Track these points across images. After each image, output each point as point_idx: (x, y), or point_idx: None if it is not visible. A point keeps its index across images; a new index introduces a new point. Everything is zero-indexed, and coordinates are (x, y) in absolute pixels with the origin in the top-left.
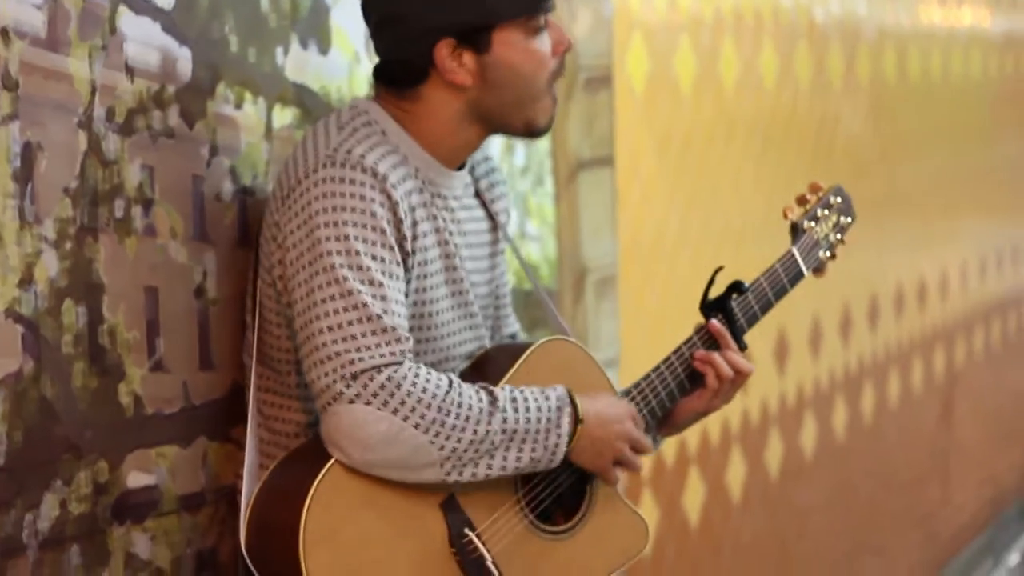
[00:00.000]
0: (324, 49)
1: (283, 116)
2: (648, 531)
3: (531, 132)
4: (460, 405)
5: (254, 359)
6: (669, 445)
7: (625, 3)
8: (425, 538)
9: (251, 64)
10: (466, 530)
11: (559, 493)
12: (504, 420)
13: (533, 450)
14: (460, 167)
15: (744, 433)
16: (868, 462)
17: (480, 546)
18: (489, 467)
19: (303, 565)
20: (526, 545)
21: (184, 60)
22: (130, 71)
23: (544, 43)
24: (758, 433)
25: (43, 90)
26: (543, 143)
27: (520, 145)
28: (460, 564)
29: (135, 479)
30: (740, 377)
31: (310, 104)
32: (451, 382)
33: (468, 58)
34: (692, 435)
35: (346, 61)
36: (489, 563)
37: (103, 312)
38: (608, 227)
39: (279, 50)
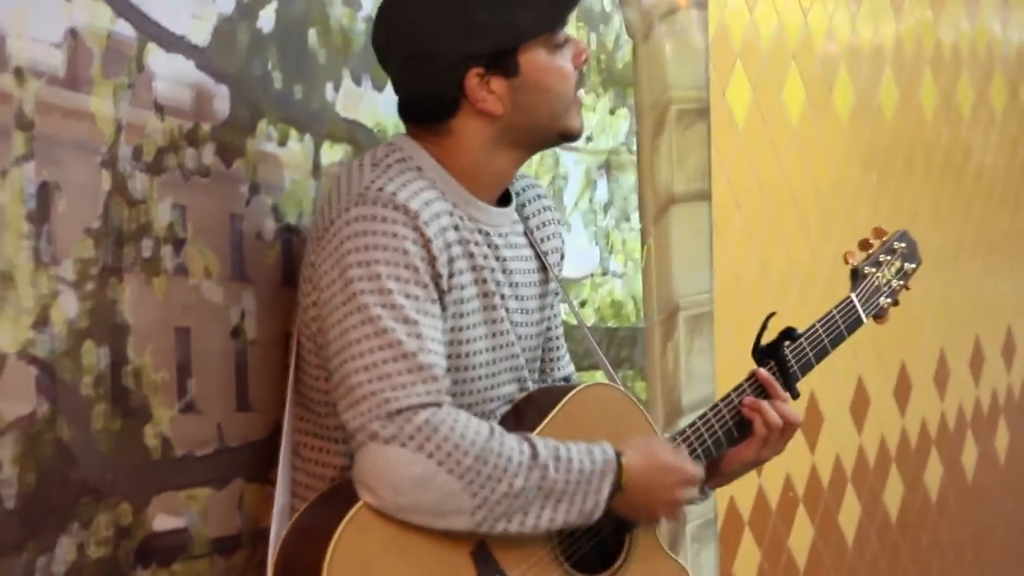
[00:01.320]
0: (379, 85)
1: (333, 153)
2: None
3: (567, 139)
4: (500, 456)
5: (289, 399)
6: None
7: (725, 34)
8: None
9: (297, 101)
10: None
11: (597, 540)
12: (543, 477)
13: (568, 512)
14: (504, 203)
15: (863, 471)
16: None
17: None
18: (522, 523)
19: None
20: None
21: (221, 98)
22: (160, 109)
23: (566, 57)
24: (878, 471)
25: (62, 129)
26: (629, 178)
27: (602, 181)
28: None
29: (162, 522)
30: (789, 427)
31: (363, 141)
32: (492, 430)
33: (497, 84)
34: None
35: None
36: None
37: (127, 353)
38: (703, 263)
39: (329, 86)
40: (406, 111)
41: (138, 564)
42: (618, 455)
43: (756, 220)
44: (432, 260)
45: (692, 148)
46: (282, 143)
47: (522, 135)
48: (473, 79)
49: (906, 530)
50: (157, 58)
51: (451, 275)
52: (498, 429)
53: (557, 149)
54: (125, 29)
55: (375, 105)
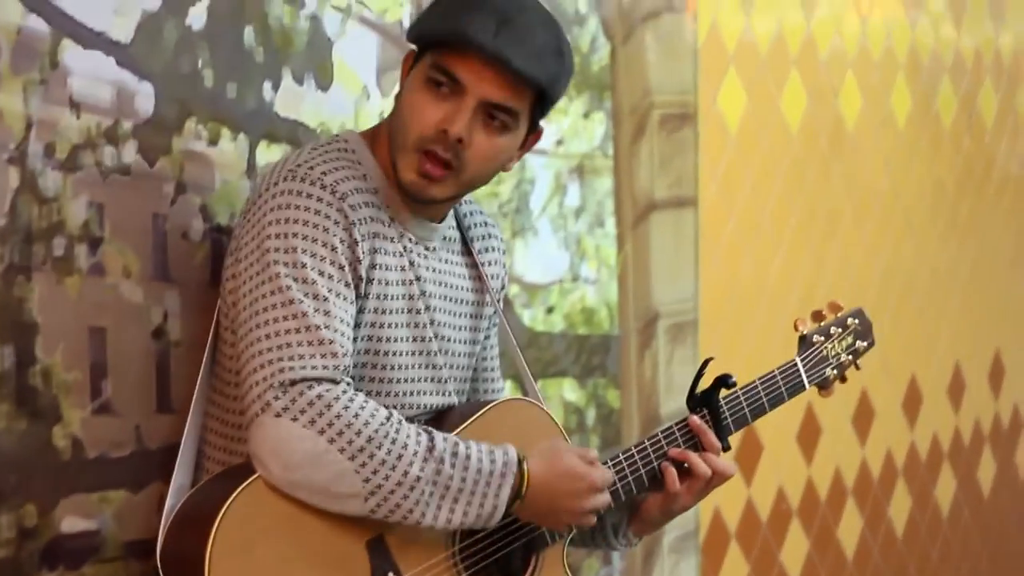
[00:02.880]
0: (324, 85)
1: (271, 153)
2: None
3: (398, 183)
4: (394, 442)
5: (201, 377)
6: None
7: (716, 38)
8: (344, 574)
9: (230, 99)
10: (390, 574)
11: (500, 554)
12: (438, 472)
13: (466, 513)
14: (441, 220)
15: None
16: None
17: None
18: (422, 516)
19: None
20: None
21: (144, 95)
22: (76, 106)
23: (432, 102)
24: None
25: None
26: (604, 183)
27: (573, 185)
28: None
29: (71, 524)
30: (718, 478)
31: (306, 140)
32: (389, 415)
33: (405, 76)
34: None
35: (352, 97)
36: None
37: (35, 352)
38: (687, 270)
39: (267, 85)
40: None
41: (43, 566)
42: (520, 459)
43: (750, 228)
44: (353, 244)
45: (676, 153)
46: (213, 142)
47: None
48: (408, 57)
49: (913, 546)
50: (73, 55)
51: (373, 265)
52: (396, 416)
53: None
54: (37, 24)
55: (319, 105)
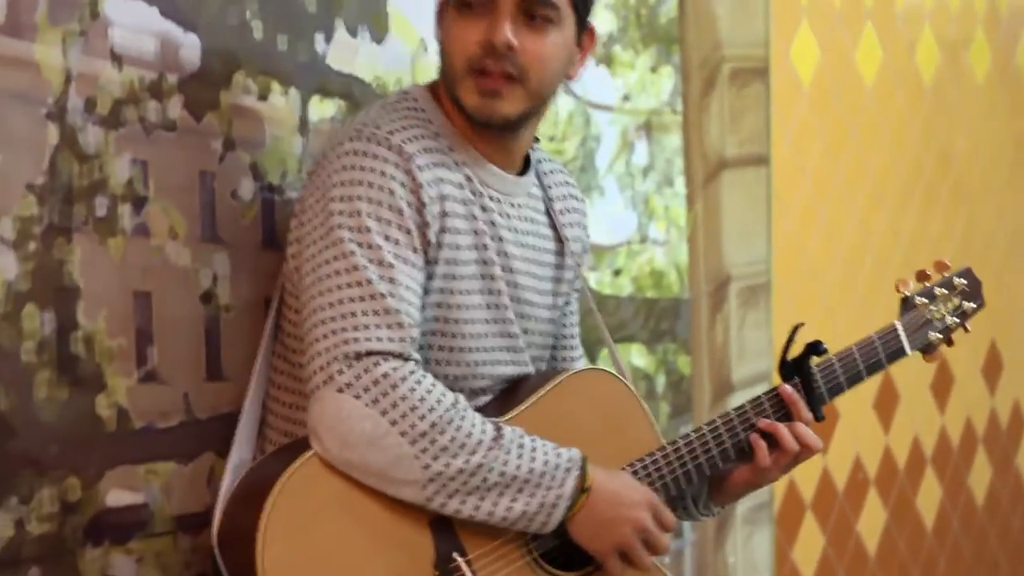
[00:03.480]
0: (379, 37)
1: (323, 108)
2: None
3: (466, 114)
4: (459, 429)
5: (263, 348)
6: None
7: None
8: (407, 555)
9: (280, 52)
10: (455, 554)
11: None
12: (504, 462)
13: (527, 503)
14: (522, 173)
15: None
16: None
17: (469, 574)
18: (476, 507)
19: (259, 560)
20: None
21: (190, 47)
22: (117, 59)
23: (469, 27)
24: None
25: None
26: (673, 140)
27: (641, 143)
28: None
29: (116, 497)
30: (806, 452)
31: (360, 96)
32: (457, 401)
33: (439, 27)
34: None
35: (408, 50)
36: None
37: (77, 318)
38: (760, 231)
39: (319, 37)
40: None
41: (88, 541)
42: (584, 458)
43: (823, 187)
44: (420, 207)
45: (748, 109)
46: (263, 97)
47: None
48: (442, 9)
49: (995, 515)
50: (115, 5)
51: (443, 229)
52: (463, 402)
53: (587, 108)
54: None
55: (374, 58)
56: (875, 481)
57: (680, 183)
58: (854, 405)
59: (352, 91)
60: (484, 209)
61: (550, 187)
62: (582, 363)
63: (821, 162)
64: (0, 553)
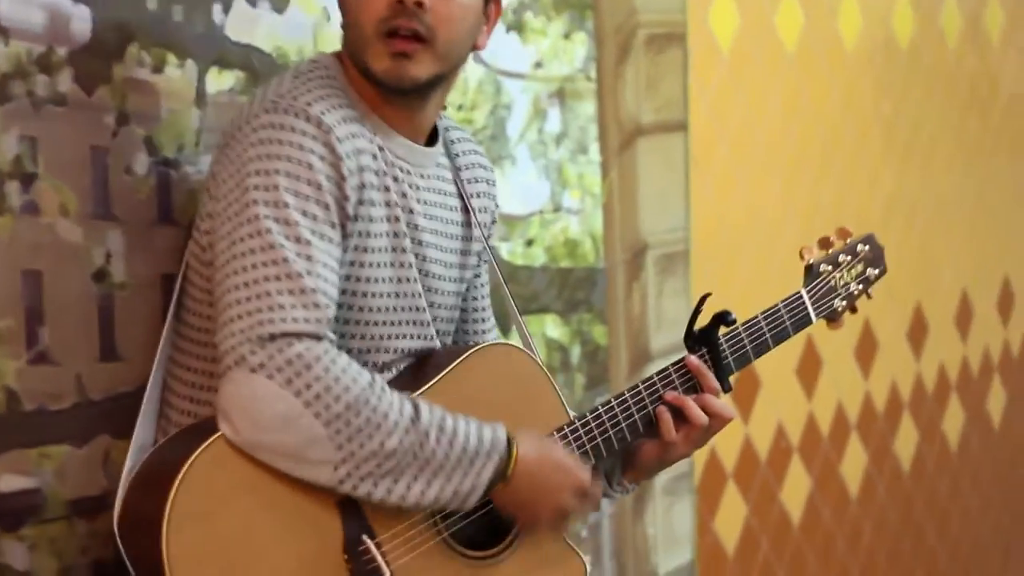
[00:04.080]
0: (280, 7)
1: (222, 80)
2: (587, 569)
3: (375, 80)
4: (375, 410)
5: (167, 329)
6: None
7: None
8: (316, 538)
9: (176, 23)
10: (364, 537)
11: (486, 513)
12: (420, 445)
13: (442, 489)
14: (430, 144)
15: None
16: None
17: (378, 556)
18: (389, 491)
19: (163, 546)
20: (436, 565)
21: (80, 19)
22: (3, 32)
23: None
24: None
25: None
26: (587, 107)
27: (553, 110)
28: (352, 574)
29: (8, 482)
30: (717, 422)
31: (261, 67)
32: (372, 381)
33: None
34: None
35: (310, 20)
36: None
37: None
38: (678, 198)
39: (216, 7)
40: None
41: None
42: (510, 440)
43: (743, 153)
44: (340, 180)
45: (664, 76)
46: (158, 69)
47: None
48: None
49: (920, 480)
50: None
51: (360, 202)
52: (380, 382)
53: (498, 76)
54: None
55: (275, 28)
56: (798, 448)
57: (595, 151)
58: (776, 371)
59: (251, 62)
60: (396, 180)
61: (457, 155)
62: (494, 335)
63: (741, 129)
64: None
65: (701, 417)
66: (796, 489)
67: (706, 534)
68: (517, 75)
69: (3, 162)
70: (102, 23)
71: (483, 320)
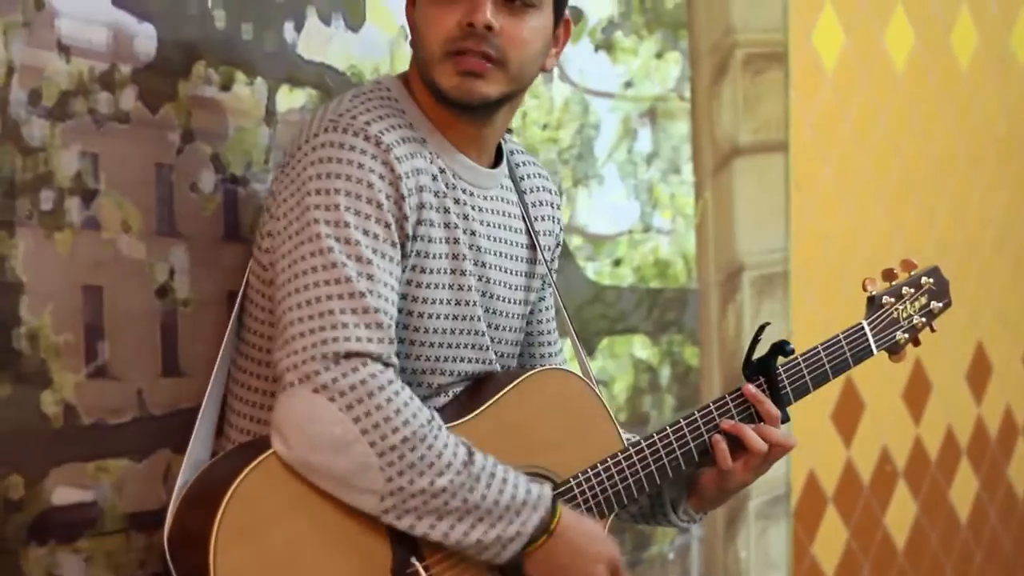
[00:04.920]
0: (355, 25)
1: (293, 98)
2: None
3: (443, 97)
4: (431, 447)
5: (225, 341)
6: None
7: None
8: (364, 559)
9: (245, 42)
10: (413, 559)
11: None
12: (471, 488)
13: (484, 534)
14: (495, 165)
15: None
16: None
17: None
18: (431, 527)
19: (211, 563)
20: None
21: (145, 38)
22: (65, 50)
23: (448, 7)
24: None
25: None
26: (679, 127)
27: (644, 130)
28: None
29: (63, 495)
30: (776, 451)
31: (335, 85)
32: (432, 419)
33: (412, 9)
34: None
35: (386, 38)
36: None
37: (20, 313)
38: (777, 219)
39: (288, 26)
40: None
41: (32, 540)
42: (554, 498)
43: (848, 174)
44: (399, 199)
45: (764, 96)
46: (225, 87)
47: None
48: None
49: None
50: None
51: (419, 222)
52: (438, 421)
53: (585, 95)
54: None
55: (349, 46)
56: (904, 472)
57: (688, 171)
58: (881, 396)
59: (325, 80)
60: (457, 202)
61: (522, 179)
62: (560, 359)
63: (846, 149)
64: None
65: (759, 443)
66: (901, 513)
67: (804, 558)
68: (606, 94)
69: (64, 178)
70: (168, 42)
71: (548, 344)
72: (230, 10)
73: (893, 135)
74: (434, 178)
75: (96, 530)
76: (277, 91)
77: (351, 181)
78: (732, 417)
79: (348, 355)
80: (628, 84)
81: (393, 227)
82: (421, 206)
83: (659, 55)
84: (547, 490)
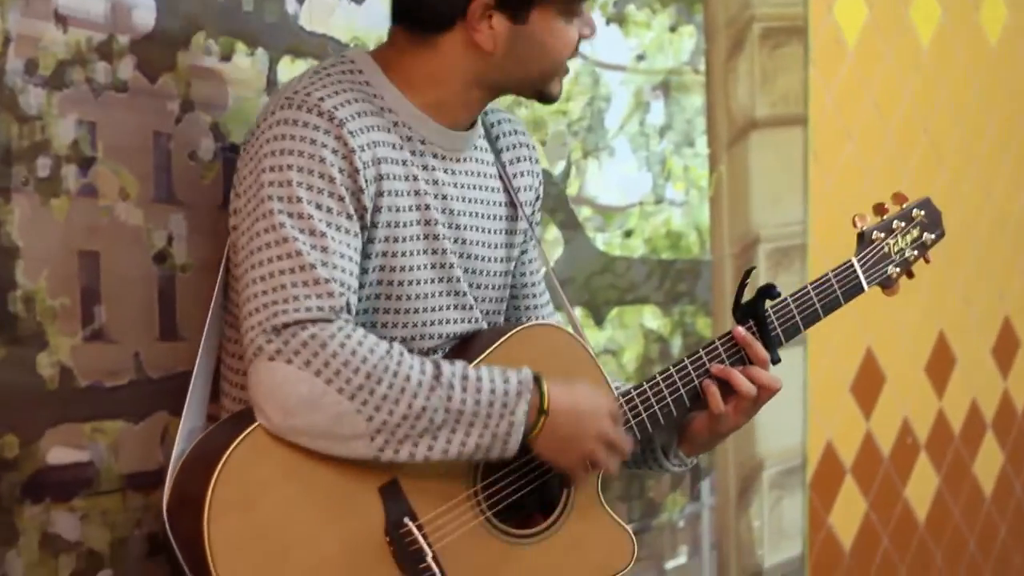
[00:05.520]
0: None
1: (295, 69)
2: (635, 547)
3: (542, 100)
4: (396, 375)
5: (211, 310)
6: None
7: None
8: (357, 522)
9: (246, 13)
10: (405, 519)
11: (530, 491)
12: (448, 398)
13: (480, 435)
14: (469, 128)
15: None
16: None
17: (420, 538)
18: (430, 448)
19: (206, 533)
20: (479, 545)
21: (144, 8)
22: (62, 20)
23: (575, 28)
24: None
25: None
26: (693, 100)
27: (657, 103)
28: (395, 556)
29: (59, 455)
30: (765, 393)
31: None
32: (390, 349)
33: (499, 23)
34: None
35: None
36: (429, 559)
37: (16, 277)
38: (795, 193)
39: None
40: (400, 8)
41: (27, 498)
42: (537, 376)
43: (870, 149)
44: (354, 172)
45: (781, 69)
46: (225, 58)
47: (503, 81)
48: (478, 5)
49: None
50: None
51: (380, 192)
52: (397, 348)
53: (596, 68)
54: None
55: (352, 18)
56: (926, 445)
57: (702, 144)
58: (903, 369)
59: (327, 51)
60: (425, 168)
61: (497, 137)
62: (548, 310)
63: (869, 124)
64: None
65: (748, 387)
66: (923, 486)
67: (820, 528)
68: (617, 67)
69: (60, 146)
70: (166, 12)
71: (534, 296)
72: None
73: (919, 111)
74: (397, 147)
75: (92, 489)
76: (279, 62)
77: (303, 157)
78: (722, 361)
79: (296, 323)
80: (640, 57)
81: (347, 200)
82: (380, 177)
83: (673, 28)
84: (526, 372)
